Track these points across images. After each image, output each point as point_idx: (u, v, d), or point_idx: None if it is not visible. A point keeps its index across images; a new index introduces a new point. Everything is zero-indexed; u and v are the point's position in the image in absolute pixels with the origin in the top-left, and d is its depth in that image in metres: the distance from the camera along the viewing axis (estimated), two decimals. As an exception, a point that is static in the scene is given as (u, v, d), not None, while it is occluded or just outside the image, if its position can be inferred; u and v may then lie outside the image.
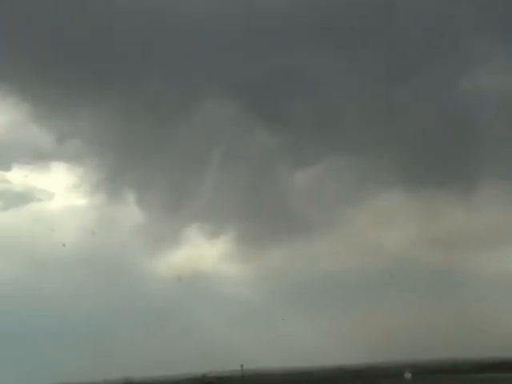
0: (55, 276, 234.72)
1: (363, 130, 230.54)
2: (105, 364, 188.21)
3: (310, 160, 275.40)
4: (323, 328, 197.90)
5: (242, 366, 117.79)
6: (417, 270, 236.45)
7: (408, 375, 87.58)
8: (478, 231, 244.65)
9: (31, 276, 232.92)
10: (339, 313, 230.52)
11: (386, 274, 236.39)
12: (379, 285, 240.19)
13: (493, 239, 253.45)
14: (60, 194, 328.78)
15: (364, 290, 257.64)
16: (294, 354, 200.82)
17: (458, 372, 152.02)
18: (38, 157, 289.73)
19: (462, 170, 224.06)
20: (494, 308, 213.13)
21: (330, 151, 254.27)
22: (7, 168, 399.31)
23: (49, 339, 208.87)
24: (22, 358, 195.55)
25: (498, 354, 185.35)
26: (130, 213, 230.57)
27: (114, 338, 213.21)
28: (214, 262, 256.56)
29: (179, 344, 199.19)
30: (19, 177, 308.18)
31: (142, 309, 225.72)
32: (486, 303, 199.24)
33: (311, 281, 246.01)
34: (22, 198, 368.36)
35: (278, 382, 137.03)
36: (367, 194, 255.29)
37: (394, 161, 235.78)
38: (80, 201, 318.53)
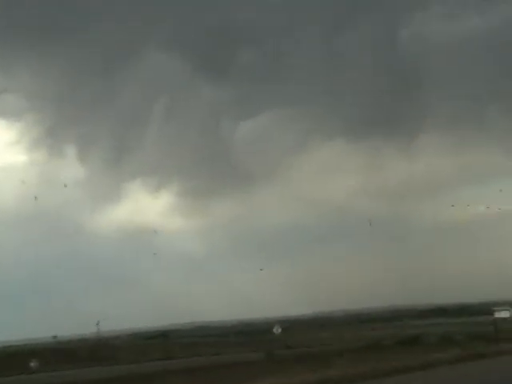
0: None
1: (307, 82, 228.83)
2: (45, 322, 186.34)
3: (253, 112, 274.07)
4: (267, 280, 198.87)
5: (98, 322, 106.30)
6: (360, 220, 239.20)
7: (277, 330, 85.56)
8: (420, 180, 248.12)
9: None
10: (283, 265, 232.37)
11: (330, 224, 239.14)
12: (323, 236, 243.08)
13: (434, 187, 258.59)
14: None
15: (308, 241, 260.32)
16: (239, 306, 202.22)
17: (388, 320, 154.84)
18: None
19: (403, 121, 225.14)
20: (436, 255, 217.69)
21: (274, 103, 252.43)
22: None
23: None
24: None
25: (439, 301, 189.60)
26: (71, 168, 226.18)
27: (55, 295, 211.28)
28: (158, 217, 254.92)
29: (123, 300, 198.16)
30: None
31: (84, 266, 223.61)
32: (428, 251, 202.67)
33: (256, 233, 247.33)
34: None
35: (218, 334, 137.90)
36: (311, 145, 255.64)
37: (337, 112, 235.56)
38: (20, 157, 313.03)
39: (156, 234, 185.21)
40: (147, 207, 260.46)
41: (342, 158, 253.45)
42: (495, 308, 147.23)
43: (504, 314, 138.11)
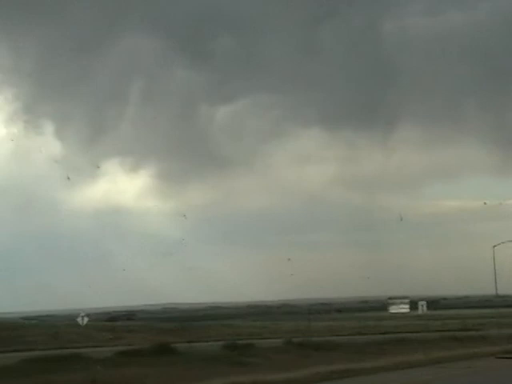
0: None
1: (287, 69, 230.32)
2: (19, 298, 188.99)
3: (232, 97, 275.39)
4: (240, 265, 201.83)
5: None
6: (334, 209, 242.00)
7: (82, 320, 70.56)
8: (395, 172, 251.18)
9: None
10: (257, 250, 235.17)
11: (306, 212, 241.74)
12: (298, 223, 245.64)
13: (409, 179, 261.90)
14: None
15: (283, 228, 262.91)
16: (210, 290, 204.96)
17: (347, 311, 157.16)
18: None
19: (381, 112, 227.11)
20: (409, 248, 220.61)
21: (253, 89, 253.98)
22: None
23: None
24: None
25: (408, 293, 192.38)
26: (48, 144, 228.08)
27: (28, 271, 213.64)
28: (134, 197, 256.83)
29: (94, 279, 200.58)
30: None
31: (57, 243, 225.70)
32: (400, 244, 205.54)
33: (231, 219, 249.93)
34: None
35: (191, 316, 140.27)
36: (288, 132, 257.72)
37: (316, 101, 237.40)
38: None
39: (130, 214, 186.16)
40: (123, 187, 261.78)
41: (319, 146, 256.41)
42: (391, 301, 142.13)
43: (401, 309, 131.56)
